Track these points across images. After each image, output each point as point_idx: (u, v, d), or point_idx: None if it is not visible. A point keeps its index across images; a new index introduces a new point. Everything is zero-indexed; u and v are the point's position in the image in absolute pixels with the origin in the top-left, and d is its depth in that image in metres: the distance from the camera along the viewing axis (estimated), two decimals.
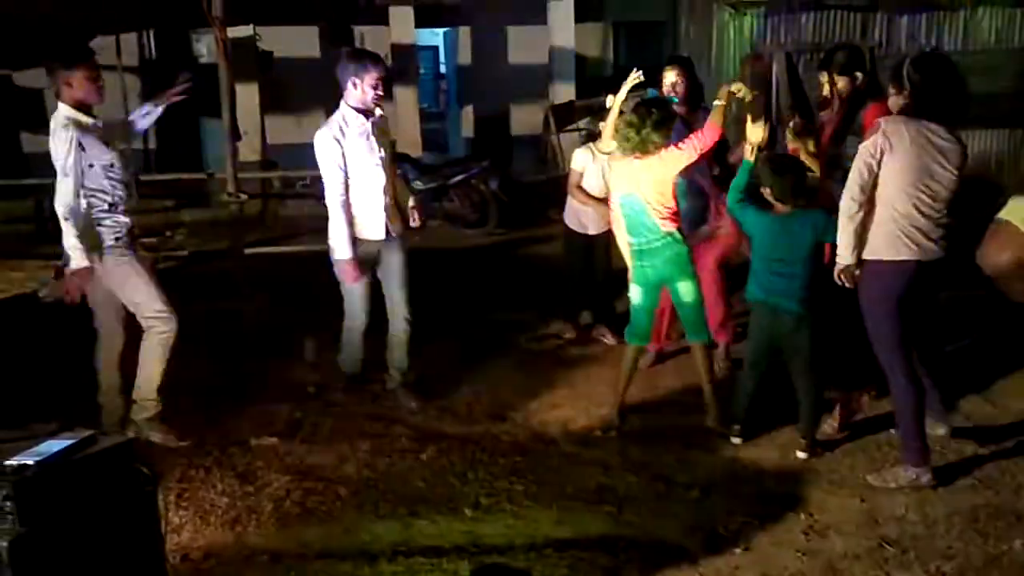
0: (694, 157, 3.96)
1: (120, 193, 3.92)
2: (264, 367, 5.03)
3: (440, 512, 3.45)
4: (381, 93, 4.17)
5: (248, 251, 7.57)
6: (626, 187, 4.06)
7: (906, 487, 3.52)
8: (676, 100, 4.70)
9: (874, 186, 3.42)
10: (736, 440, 3.98)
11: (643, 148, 3.97)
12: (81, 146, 3.75)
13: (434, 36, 16.07)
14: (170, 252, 8.19)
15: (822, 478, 3.68)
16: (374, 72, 4.12)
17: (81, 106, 3.82)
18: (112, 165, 3.88)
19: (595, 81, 13.31)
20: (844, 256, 3.50)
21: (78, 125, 3.77)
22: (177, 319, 3.96)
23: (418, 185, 9.65)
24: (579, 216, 5.42)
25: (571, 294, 5.66)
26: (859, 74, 4.16)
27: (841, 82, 4.17)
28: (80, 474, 2.25)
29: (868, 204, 3.44)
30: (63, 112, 3.80)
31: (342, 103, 4.19)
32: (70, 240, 3.78)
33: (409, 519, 3.41)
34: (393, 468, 3.84)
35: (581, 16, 13.27)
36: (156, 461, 3.68)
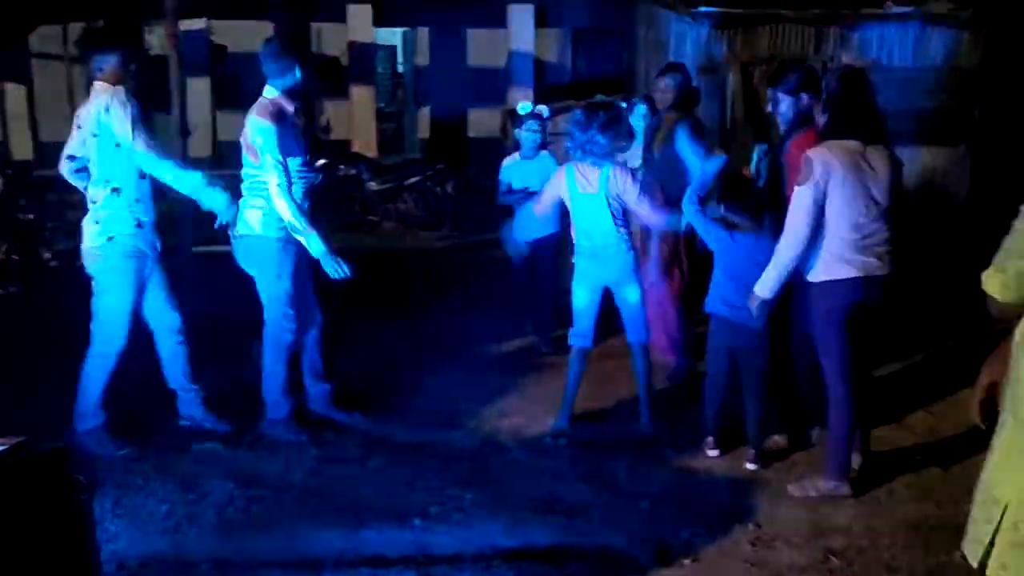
0: (641, 213, 4.09)
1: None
2: (208, 369, 4.89)
3: (387, 521, 3.39)
4: None
5: (196, 250, 7.40)
6: (589, 188, 4.03)
7: (825, 497, 3.56)
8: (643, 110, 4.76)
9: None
10: (712, 453, 3.95)
11: (589, 149, 3.98)
12: None
13: (392, 35, 15.94)
14: None
15: (771, 489, 3.70)
16: None
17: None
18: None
19: (553, 87, 13.35)
20: (767, 291, 3.51)
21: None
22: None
23: (372, 186, 9.58)
24: (522, 225, 5.38)
25: (528, 305, 5.58)
26: (805, 96, 4.00)
27: (784, 102, 4.06)
28: (9, 481, 2.14)
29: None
30: (115, 93, 3.78)
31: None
32: None
33: (356, 528, 3.34)
34: (340, 476, 3.77)
35: (541, 21, 13.30)
36: (92, 467, 3.59)
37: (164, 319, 4.03)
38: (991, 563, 1.76)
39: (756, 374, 3.87)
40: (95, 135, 3.79)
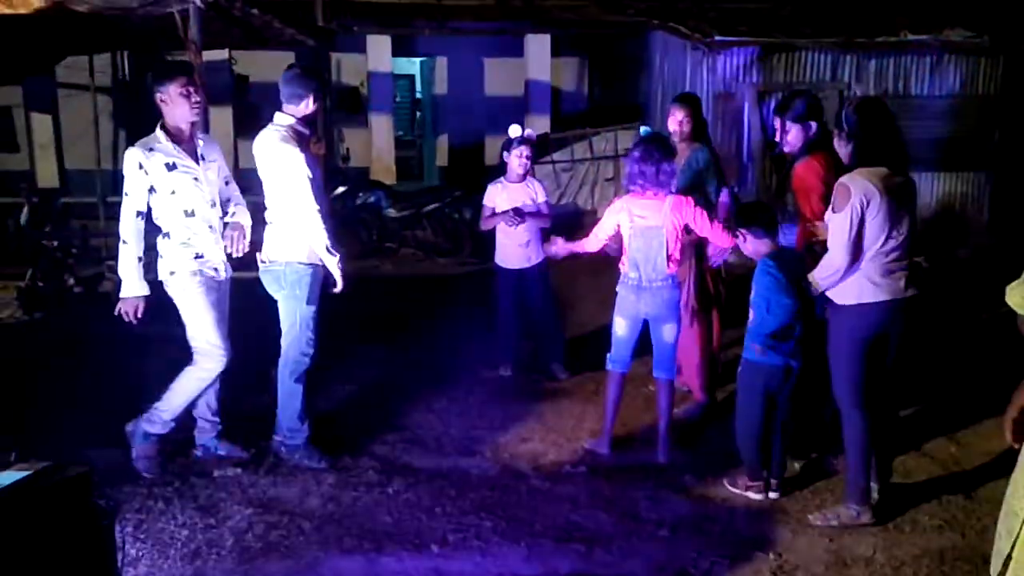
0: (714, 237, 4.20)
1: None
2: (228, 396, 4.92)
3: (406, 548, 3.39)
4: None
5: None
6: (652, 220, 4.05)
7: (848, 525, 3.53)
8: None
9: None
10: (774, 495, 3.82)
11: (660, 183, 4.01)
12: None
13: (411, 65, 16.13)
14: None
15: (791, 518, 3.67)
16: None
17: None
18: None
19: (570, 115, 13.45)
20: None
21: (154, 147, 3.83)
22: (227, 359, 3.96)
23: (391, 213, 9.65)
24: (502, 251, 5.41)
25: (501, 331, 5.53)
26: (813, 124, 4.07)
27: (793, 130, 4.10)
28: (34, 507, 2.17)
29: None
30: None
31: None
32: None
33: (374, 555, 3.34)
34: (359, 502, 3.77)
35: (557, 51, 13.42)
36: (114, 490, 3.62)
37: None
38: (1009, 572, 1.78)
39: (784, 407, 3.83)
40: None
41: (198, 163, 3.92)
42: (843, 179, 3.42)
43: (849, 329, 3.49)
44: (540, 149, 11.60)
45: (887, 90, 10.13)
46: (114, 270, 7.87)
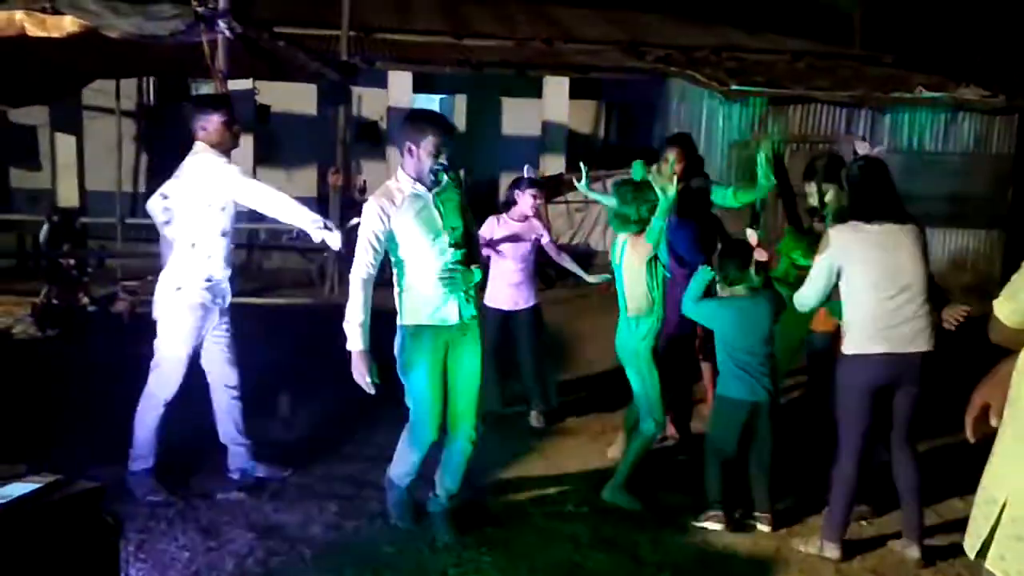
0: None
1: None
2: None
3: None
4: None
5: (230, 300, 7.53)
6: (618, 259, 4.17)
7: (827, 567, 3.61)
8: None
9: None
10: (717, 527, 3.90)
11: (642, 227, 4.07)
12: None
13: (430, 101, 16.35)
14: (150, 297, 8.13)
15: (792, 565, 3.65)
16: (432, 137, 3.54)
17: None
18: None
19: (585, 156, 13.58)
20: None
21: None
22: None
23: None
24: (492, 290, 5.31)
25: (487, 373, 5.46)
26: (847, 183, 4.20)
27: (830, 191, 4.25)
28: (43, 520, 2.19)
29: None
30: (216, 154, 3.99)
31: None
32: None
33: None
34: (361, 532, 3.77)
35: (575, 93, 13.60)
36: (117, 509, 3.63)
37: (222, 373, 4.13)
38: (990, 554, 1.93)
39: (764, 444, 3.94)
40: (190, 191, 3.97)
41: None
42: (830, 228, 3.70)
43: (850, 378, 3.58)
44: (555, 189, 11.74)
45: (901, 145, 10.21)
46: (128, 290, 7.96)
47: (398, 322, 3.66)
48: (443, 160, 3.53)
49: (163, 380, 3.99)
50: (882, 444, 3.73)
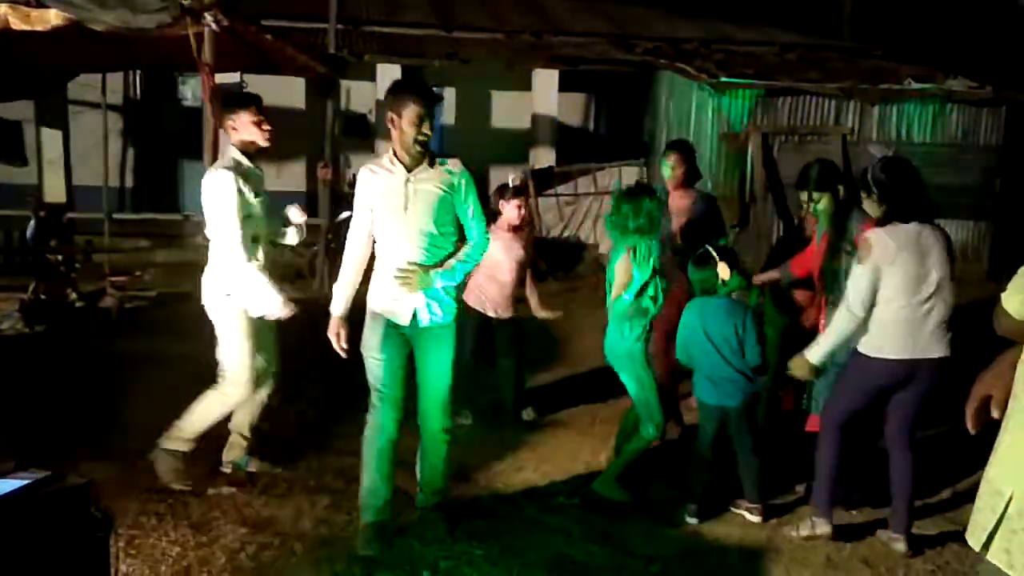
0: None
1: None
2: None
3: (397, 573, 3.38)
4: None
5: None
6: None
7: (818, 558, 3.62)
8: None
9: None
10: (692, 520, 3.94)
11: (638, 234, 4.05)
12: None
13: None
14: (138, 292, 8.10)
15: (784, 556, 3.66)
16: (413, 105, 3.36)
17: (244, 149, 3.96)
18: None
19: (575, 149, 13.58)
20: (816, 357, 3.60)
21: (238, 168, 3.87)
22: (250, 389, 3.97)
23: None
24: (482, 295, 5.12)
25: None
26: (840, 187, 4.18)
27: (824, 200, 4.17)
28: (32, 516, 2.18)
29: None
30: (229, 154, 3.94)
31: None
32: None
33: None
34: (351, 525, 3.76)
35: (565, 86, 13.58)
36: (108, 504, 3.61)
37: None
38: (993, 546, 1.93)
39: (748, 440, 3.95)
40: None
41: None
42: (868, 232, 3.58)
43: (862, 378, 3.59)
44: (545, 181, 11.73)
45: (889, 137, 10.25)
46: (116, 286, 7.92)
47: None
48: (426, 131, 3.35)
49: (235, 381, 3.95)
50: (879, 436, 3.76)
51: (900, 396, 3.60)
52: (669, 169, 4.86)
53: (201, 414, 3.99)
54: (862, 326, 3.54)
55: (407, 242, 3.45)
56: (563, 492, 4.22)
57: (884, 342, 3.51)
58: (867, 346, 3.56)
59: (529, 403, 5.35)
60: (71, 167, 12.89)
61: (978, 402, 2.10)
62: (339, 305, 3.59)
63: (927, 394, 3.60)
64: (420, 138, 3.36)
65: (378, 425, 3.60)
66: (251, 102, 3.99)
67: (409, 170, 3.43)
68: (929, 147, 10.24)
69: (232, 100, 4.04)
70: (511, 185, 5.33)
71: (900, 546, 3.68)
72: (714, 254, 3.96)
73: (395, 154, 3.46)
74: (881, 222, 3.57)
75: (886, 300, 3.49)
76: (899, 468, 3.69)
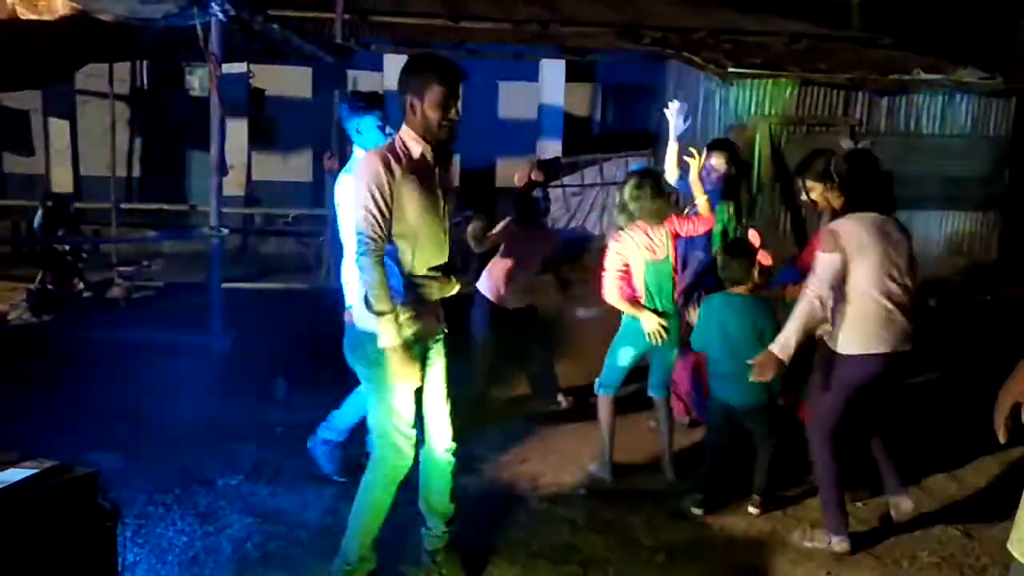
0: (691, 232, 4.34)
1: None
2: (232, 405, 4.95)
3: (401, 562, 3.39)
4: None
5: (225, 285, 7.52)
6: (659, 253, 4.15)
7: (823, 550, 3.60)
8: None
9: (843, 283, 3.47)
10: (697, 511, 3.94)
11: (658, 216, 4.13)
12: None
13: None
14: (145, 282, 8.13)
15: (788, 548, 3.66)
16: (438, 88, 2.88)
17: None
18: None
19: (582, 140, 13.55)
20: (780, 350, 3.40)
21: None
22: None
23: None
24: (499, 288, 5.14)
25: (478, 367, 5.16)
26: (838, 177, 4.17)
27: (817, 189, 3.94)
28: (40, 506, 2.19)
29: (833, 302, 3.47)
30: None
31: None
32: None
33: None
34: None
35: (572, 76, 13.54)
36: (115, 494, 3.63)
37: None
38: None
39: (762, 432, 3.97)
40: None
41: None
42: (832, 223, 3.53)
43: (849, 378, 3.52)
44: (551, 172, 11.70)
45: (898, 128, 10.18)
46: (124, 276, 7.94)
47: None
48: (453, 115, 2.89)
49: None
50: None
51: (871, 390, 3.57)
52: (712, 171, 4.94)
53: (355, 405, 4.00)
54: (839, 326, 3.48)
55: (440, 242, 3.06)
56: (568, 483, 4.22)
57: (865, 338, 3.46)
58: (844, 345, 3.50)
59: (559, 392, 5.42)
60: (78, 157, 12.90)
61: (1007, 411, 2.05)
62: (395, 332, 2.93)
63: (892, 387, 3.61)
64: (446, 124, 2.91)
65: (400, 466, 3.14)
66: (376, 106, 3.87)
67: (435, 164, 2.98)
68: (938, 138, 10.16)
69: (357, 105, 3.88)
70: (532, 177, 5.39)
71: (906, 503, 3.76)
72: (751, 241, 4.01)
73: (404, 144, 2.93)
74: (840, 213, 3.57)
75: (860, 293, 3.43)
76: (877, 448, 3.80)
